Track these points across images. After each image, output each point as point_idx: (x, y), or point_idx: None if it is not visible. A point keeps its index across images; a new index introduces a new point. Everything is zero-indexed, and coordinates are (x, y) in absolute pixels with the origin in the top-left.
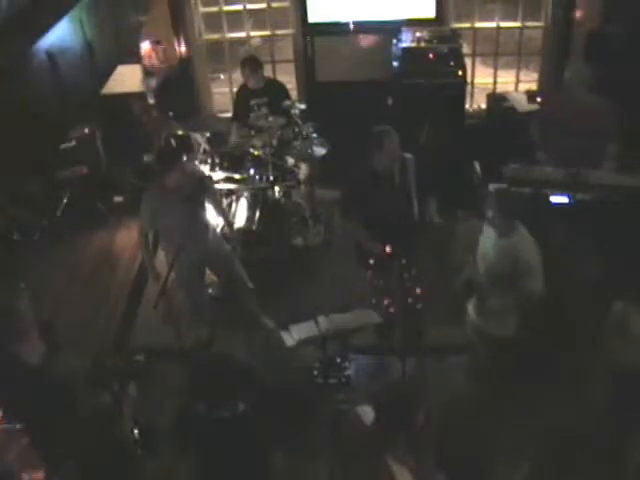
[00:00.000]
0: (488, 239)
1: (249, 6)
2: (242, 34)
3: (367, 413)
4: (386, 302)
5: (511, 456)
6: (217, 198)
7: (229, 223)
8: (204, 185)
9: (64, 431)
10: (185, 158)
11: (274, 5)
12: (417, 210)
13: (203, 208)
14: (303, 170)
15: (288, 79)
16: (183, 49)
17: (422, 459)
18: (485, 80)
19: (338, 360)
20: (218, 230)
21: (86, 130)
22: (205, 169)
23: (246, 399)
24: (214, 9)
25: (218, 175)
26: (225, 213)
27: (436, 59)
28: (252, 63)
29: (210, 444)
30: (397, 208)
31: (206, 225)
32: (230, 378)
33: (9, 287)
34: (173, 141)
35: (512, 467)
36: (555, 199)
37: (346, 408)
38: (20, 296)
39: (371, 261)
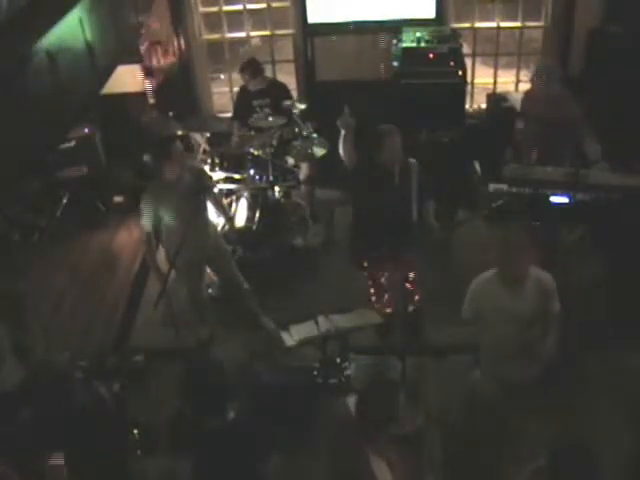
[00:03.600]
0: (508, 299)
1: (249, 6)
2: (242, 34)
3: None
4: (384, 302)
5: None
6: (215, 194)
7: (229, 218)
8: (203, 179)
9: (59, 431)
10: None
11: (274, 5)
12: (416, 213)
13: (203, 204)
14: (303, 170)
15: (288, 79)
16: (183, 49)
17: (410, 458)
18: (485, 80)
19: (338, 360)
20: (219, 228)
21: (86, 130)
22: (205, 169)
23: (242, 403)
24: (214, 9)
25: (218, 175)
26: (225, 208)
27: (436, 59)
28: (251, 68)
29: (206, 446)
30: (396, 208)
31: (206, 221)
32: (225, 381)
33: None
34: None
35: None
36: (555, 199)
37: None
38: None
39: (365, 264)
